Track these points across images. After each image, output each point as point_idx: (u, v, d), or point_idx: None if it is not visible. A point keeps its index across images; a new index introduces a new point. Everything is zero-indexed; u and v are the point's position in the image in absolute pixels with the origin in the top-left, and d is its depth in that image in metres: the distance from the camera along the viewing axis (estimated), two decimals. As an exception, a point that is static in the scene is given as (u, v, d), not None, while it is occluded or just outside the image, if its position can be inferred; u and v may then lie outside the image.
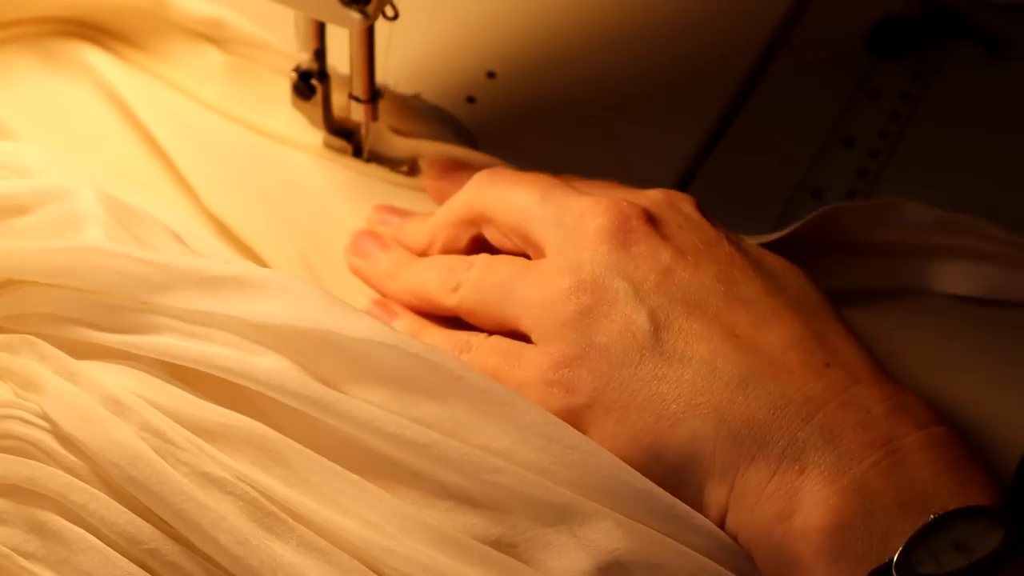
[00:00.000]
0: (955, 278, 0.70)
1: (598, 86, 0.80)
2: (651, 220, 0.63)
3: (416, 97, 0.79)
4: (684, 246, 0.62)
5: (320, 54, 0.73)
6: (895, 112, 0.80)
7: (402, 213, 0.71)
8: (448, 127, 0.77)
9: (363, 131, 0.74)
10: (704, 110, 0.80)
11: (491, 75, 0.80)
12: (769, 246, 0.67)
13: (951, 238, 0.70)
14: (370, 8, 0.69)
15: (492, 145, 0.76)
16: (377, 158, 0.75)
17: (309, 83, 0.74)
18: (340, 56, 0.73)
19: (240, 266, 0.62)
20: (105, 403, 0.59)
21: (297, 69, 0.74)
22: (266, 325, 0.60)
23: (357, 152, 0.75)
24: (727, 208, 0.74)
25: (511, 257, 0.65)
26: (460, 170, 0.72)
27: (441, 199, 0.71)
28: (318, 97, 0.74)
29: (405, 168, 0.75)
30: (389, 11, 0.71)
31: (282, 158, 0.74)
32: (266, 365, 0.59)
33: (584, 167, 0.75)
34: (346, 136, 0.75)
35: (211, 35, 0.76)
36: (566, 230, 0.63)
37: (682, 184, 0.76)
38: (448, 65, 0.80)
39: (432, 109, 0.78)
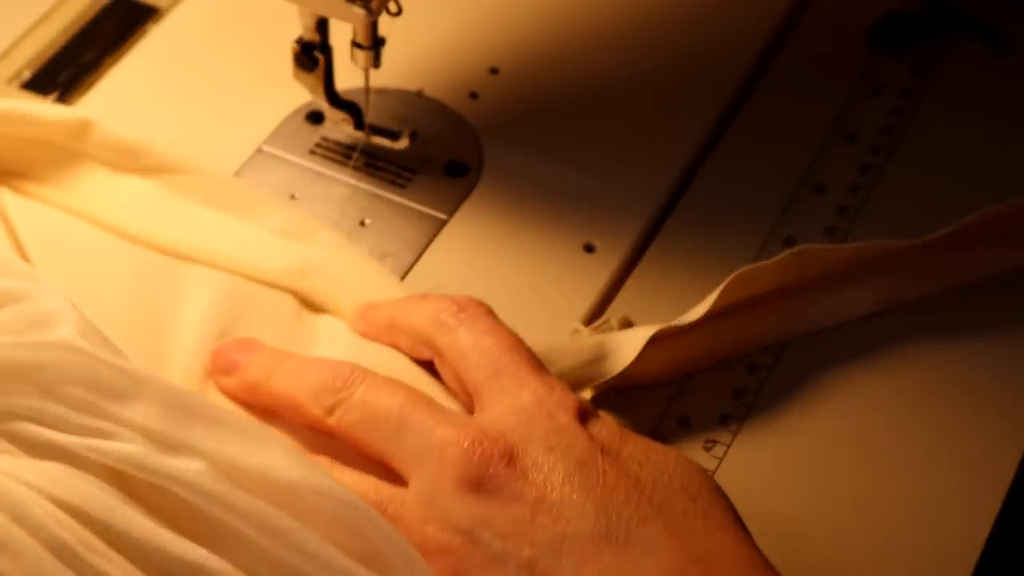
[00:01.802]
0: (867, 301, 0.70)
1: (601, 82, 0.80)
2: (513, 459, 0.59)
3: (419, 93, 0.79)
4: (549, 481, 0.58)
5: (322, 25, 0.73)
6: (897, 107, 0.80)
7: (250, 348, 0.66)
8: (451, 123, 0.78)
9: (364, 85, 0.74)
10: (707, 106, 0.80)
11: (494, 71, 0.80)
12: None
13: (857, 264, 0.70)
14: (373, 4, 0.69)
15: (495, 141, 0.77)
16: (377, 130, 0.75)
17: (312, 55, 0.74)
18: (342, 37, 0.73)
19: (209, 401, 0.60)
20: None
21: (300, 40, 0.73)
22: (225, 464, 0.58)
23: (359, 125, 0.75)
24: (729, 204, 0.75)
25: (389, 409, 0.61)
26: (376, 310, 0.68)
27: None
28: (320, 70, 0.74)
29: (405, 141, 0.75)
30: (392, 7, 0.71)
31: (178, 278, 0.69)
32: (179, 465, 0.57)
33: (586, 163, 0.76)
34: (347, 108, 0.75)
35: (131, 165, 0.72)
36: (429, 471, 0.59)
37: (684, 180, 0.76)
38: (451, 61, 0.81)
39: (435, 105, 0.78)
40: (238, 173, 0.76)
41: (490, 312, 0.64)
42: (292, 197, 0.75)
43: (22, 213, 0.70)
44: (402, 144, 0.76)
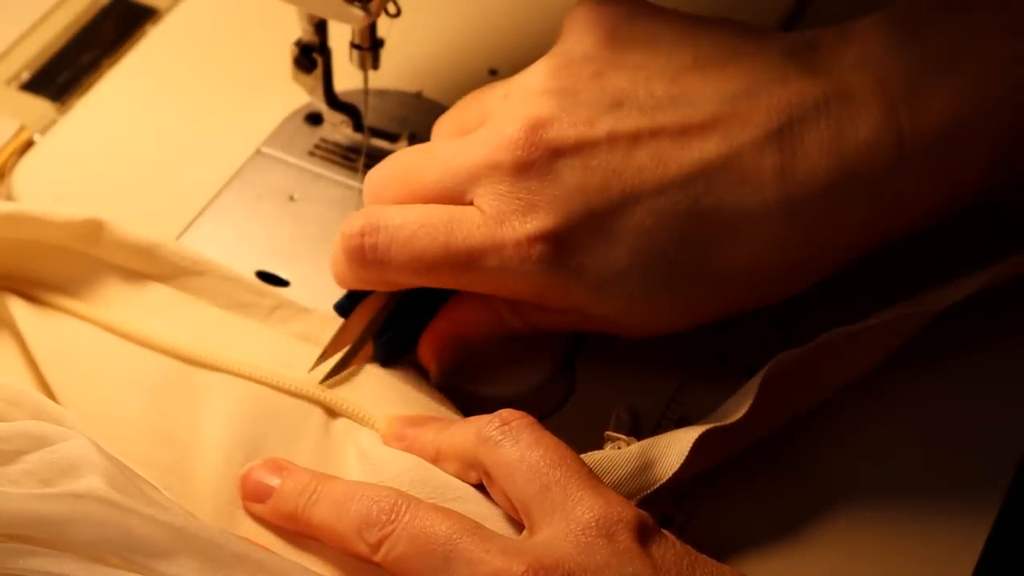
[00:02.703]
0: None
1: (599, 83, 0.80)
2: None
3: (418, 95, 0.79)
4: None
5: (321, 27, 0.73)
6: (896, 110, 0.80)
7: (281, 470, 0.63)
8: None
9: (363, 87, 0.74)
10: (705, 108, 0.80)
11: (493, 72, 0.80)
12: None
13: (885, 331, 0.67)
14: (372, 5, 0.69)
15: (494, 142, 0.77)
16: (376, 132, 0.76)
17: (310, 56, 0.74)
18: (341, 39, 0.73)
19: (254, 547, 0.59)
20: None
21: (299, 42, 0.73)
22: None
23: (358, 127, 0.75)
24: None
25: (436, 540, 0.58)
26: (418, 438, 0.65)
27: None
28: (319, 71, 0.74)
29: (404, 143, 0.75)
30: (391, 8, 0.71)
31: (201, 388, 0.67)
32: None
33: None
34: (346, 110, 0.75)
35: (146, 267, 0.70)
36: None
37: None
38: (450, 63, 0.81)
39: (434, 107, 0.78)
40: (237, 174, 0.76)
41: (535, 423, 0.61)
42: (291, 199, 0.75)
43: (33, 324, 0.68)
44: (401, 146, 0.76)
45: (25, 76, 0.80)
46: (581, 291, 0.64)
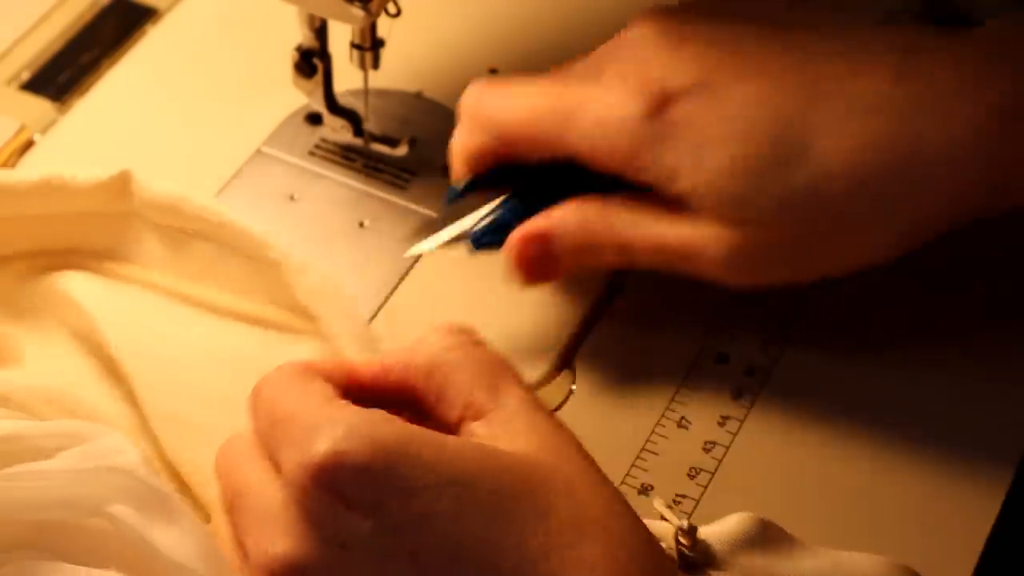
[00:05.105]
0: None
1: (600, 83, 0.80)
2: None
3: (418, 94, 0.79)
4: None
5: (321, 32, 0.73)
6: (896, 109, 0.80)
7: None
8: (450, 124, 0.78)
9: (363, 87, 0.74)
10: (706, 107, 0.80)
11: (493, 72, 0.80)
12: None
13: None
14: (372, 5, 0.69)
15: (494, 142, 0.77)
16: (376, 138, 0.76)
17: (311, 61, 0.74)
18: (341, 39, 0.73)
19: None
20: None
21: (299, 48, 0.74)
22: None
23: (358, 132, 0.75)
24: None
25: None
26: None
27: None
28: (319, 76, 0.74)
29: (404, 148, 0.75)
30: (392, 8, 0.71)
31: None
32: None
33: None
34: (346, 115, 0.75)
35: (181, 225, 0.69)
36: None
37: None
38: (450, 62, 0.81)
39: (434, 106, 0.78)
40: (238, 174, 0.76)
41: None
42: (291, 198, 0.75)
43: (89, 292, 0.68)
44: (401, 151, 0.76)
45: (25, 76, 0.81)
46: (677, 149, 0.63)
